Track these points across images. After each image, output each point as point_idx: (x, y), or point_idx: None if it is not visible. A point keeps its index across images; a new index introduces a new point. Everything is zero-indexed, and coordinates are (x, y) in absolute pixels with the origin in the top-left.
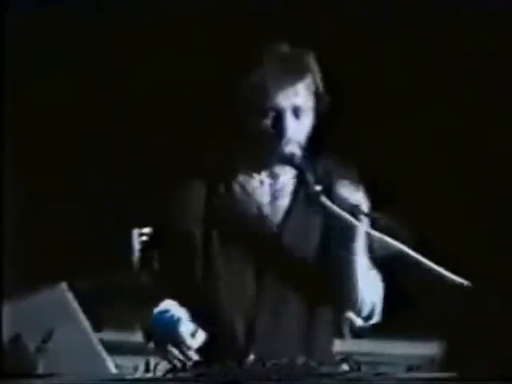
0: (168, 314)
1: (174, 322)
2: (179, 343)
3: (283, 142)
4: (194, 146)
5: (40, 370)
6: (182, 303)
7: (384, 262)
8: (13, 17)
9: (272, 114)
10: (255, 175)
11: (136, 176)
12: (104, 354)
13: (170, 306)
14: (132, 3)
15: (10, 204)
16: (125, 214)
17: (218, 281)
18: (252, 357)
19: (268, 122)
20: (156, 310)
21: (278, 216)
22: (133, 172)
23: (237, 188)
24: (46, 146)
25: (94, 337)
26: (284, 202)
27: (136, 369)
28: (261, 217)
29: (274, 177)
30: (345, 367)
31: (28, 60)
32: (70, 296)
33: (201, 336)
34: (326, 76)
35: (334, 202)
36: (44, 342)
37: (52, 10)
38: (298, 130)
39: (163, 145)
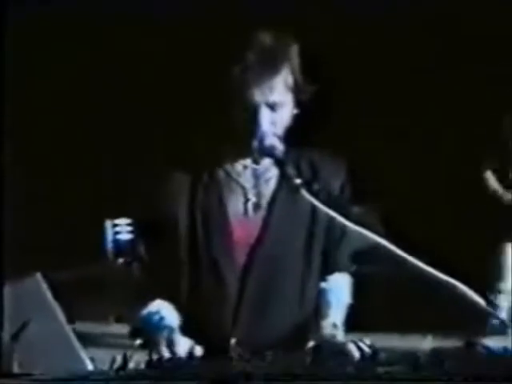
0: (157, 317)
1: (163, 327)
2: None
3: (258, 135)
4: (179, 134)
5: (15, 361)
6: (166, 295)
7: (362, 255)
8: (13, 17)
9: (249, 108)
10: (239, 160)
11: (120, 165)
12: (78, 345)
13: (161, 308)
14: (127, 4)
15: None
16: (108, 204)
17: (203, 270)
18: (234, 341)
19: (246, 115)
20: (146, 311)
21: (264, 200)
22: (117, 160)
23: (221, 173)
24: (34, 141)
25: (69, 328)
26: (269, 186)
27: (113, 362)
28: (246, 201)
29: (256, 161)
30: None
31: (28, 60)
32: (44, 287)
33: (187, 343)
34: (312, 66)
35: (315, 195)
36: (18, 332)
37: (52, 10)
38: (274, 123)
39: (148, 134)
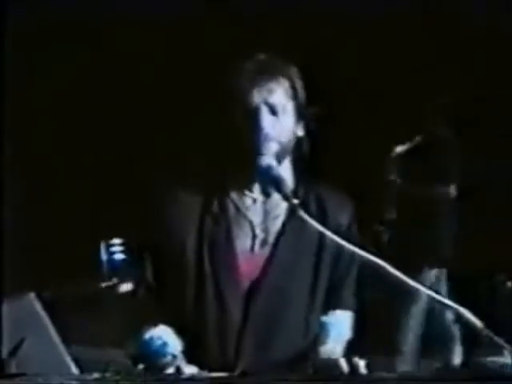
0: (160, 342)
1: (166, 353)
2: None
3: (261, 137)
4: (187, 157)
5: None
6: (169, 321)
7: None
8: (13, 17)
9: (249, 114)
10: (248, 193)
11: (127, 189)
12: (72, 365)
13: (164, 334)
14: (127, 4)
15: None
16: (117, 229)
17: (208, 299)
18: (237, 372)
19: (247, 122)
20: (148, 335)
21: (271, 236)
22: (123, 185)
23: (230, 206)
24: (34, 141)
25: (63, 347)
26: (277, 222)
27: None
28: (253, 237)
29: (266, 195)
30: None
31: (28, 60)
32: (38, 306)
33: (191, 370)
34: (315, 90)
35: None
36: (16, 349)
37: (52, 10)
38: (275, 127)
39: (154, 155)
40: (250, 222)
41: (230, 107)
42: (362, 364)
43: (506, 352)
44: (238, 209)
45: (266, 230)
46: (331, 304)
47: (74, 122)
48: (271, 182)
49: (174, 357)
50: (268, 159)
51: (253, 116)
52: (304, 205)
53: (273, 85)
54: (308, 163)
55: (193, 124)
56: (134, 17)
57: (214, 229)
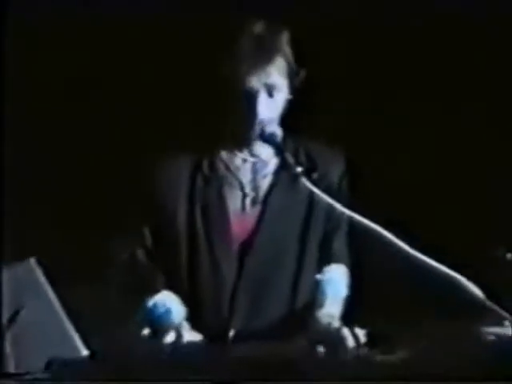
0: (164, 308)
1: (170, 320)
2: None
3: (256, 122)
4: (179, 122)
5: (8, 344)
6: (166, 283)
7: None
8: (13, 17)
9: (246, 95)
10: (238, 153)
11: (119, 152)
12: (73, 331)
13: (168, 300)
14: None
15: None
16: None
17: (201, 262)
18: (232, 332)
19: (243, 102)
20: (152, 302)
21: (261, 194)
22: (116, 148)
23: (220, 165)
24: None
25: (63, 313)
26: (266, 180)
27: None
28: (243, 196)
29: (255, 155)
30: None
31: (28, 60)
32: (38, 272)
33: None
34: (304, 51)
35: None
36: (14, 316)
37: (52, 10)
38: (271, 109)
39: (147, 121)
40: (240, 182)
41: (227, 86)
42: (361, 333)
43: (505, 322)
44: (228, 168)
45: (255, 189)
46: (324, 259)
47: (74, 121)
48: (274, 149)
49: (180, 324)
50: (272, 127)
51: (250, 98)
52: (295, 159)
53: (270, 67)
54: (297, 121)
55: (187, 98)
56: (131, 10)
57: (205, 189)
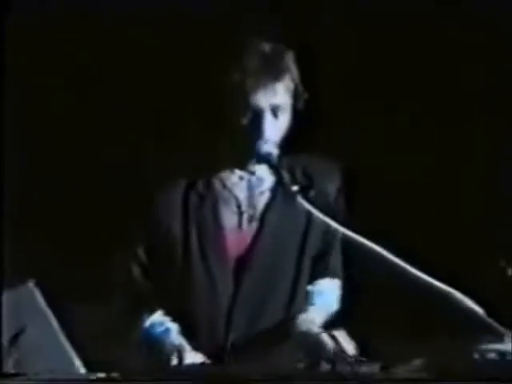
0: (162, 328)
1: (170, 340)
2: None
3: (261, 141)
4: (175, 142)
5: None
6: (161, 303)
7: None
8: (13, 17)
9: (250, 114)
10: (235, 171)
11: (116, 172)
12: (72, 352)
13: (165, 320)
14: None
15: None
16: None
17: (197, 279)
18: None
19: (246, 120)
20: (149, 322)
21: (257, 211)
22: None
23: (216, 182)
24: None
25: (62, 335)
26: (263, 197)
27: None
28: (240, 213)
29: (251, 172)
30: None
31: (28, 60)
32: (37, 294)
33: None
34: (306, 73)
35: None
36: (16, 337)
37: (52, 10)
38: (275, 130)
39: (144, 143)
40: (236, 198)
41: (230, 105)
42: (342, 335)
43: (506, 339)
44: (224, 185)
45: (252, 206)
46: (319, 274)
47: (73, 121)
48: (271, 168)
49: (181, 344)
50: (268, 147)
51: (255, 118)
52: (292, 177)
53: (277, 86)
54: (296, 136)
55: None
56: (135, 17)
57: (200, 206)
